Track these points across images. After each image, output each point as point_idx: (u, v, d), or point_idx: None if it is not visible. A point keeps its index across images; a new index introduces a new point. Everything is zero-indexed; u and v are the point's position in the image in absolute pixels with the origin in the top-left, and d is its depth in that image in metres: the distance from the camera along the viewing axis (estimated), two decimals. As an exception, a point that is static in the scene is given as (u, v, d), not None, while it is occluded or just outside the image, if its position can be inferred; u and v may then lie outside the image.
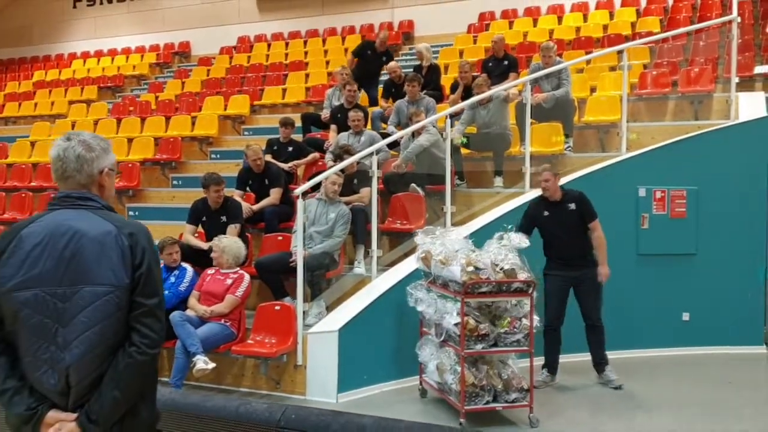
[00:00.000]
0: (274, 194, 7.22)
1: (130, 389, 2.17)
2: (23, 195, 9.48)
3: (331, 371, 5.76)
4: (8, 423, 2.23)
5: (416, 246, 5.72)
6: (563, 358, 6.05)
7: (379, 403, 5.65)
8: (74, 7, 19.00)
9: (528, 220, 5.91)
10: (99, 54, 17.62)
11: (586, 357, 6.06)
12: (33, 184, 9.92)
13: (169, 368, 5.81)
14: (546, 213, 5.92)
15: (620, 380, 5.91)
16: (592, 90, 9.18)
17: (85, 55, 17.76)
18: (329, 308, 6.16)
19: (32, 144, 11.36)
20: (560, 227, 5.85)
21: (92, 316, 2.12)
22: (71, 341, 2.12)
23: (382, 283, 6.23)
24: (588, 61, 9.65)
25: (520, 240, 5.16)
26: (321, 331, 5.83)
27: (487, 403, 4.97)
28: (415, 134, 7.30)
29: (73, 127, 11.77)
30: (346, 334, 5.78)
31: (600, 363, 5.99)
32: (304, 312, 5.90)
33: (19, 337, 2.17)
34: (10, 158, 11.17)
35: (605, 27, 12.18)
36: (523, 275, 4.97)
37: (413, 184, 7.26)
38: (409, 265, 6.19)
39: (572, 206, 5.86)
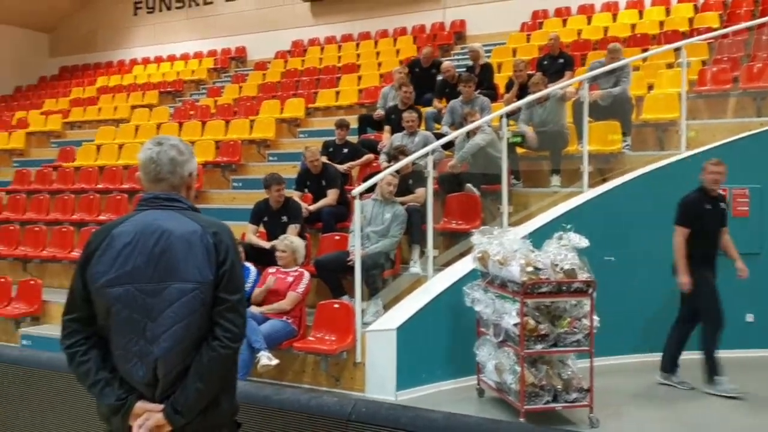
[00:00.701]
0: (332, 195, 7.36)
1: (213, 381, 2.26)
2: (91, 197, 9.86)
3: (390, 369, 5.84)
4: (99, 413, 2.35)
5: (472, 246, 5.76)
6: (626, 359, 6.01)
7: (437, 401, 5.69)
8: (135, 14, 19.59)
9: (692, 214, 5.77)
10: (159, 59, 18.11)
11: (647, 357, 6.00)
12: (99, 186, 10.30)
13: (233, 364, 5.99)
14: (708, 207, 5.82)
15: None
16: (649, 88, 9.04)
17: (146, 61, 18.29)
18: (386, 307, 6.25)
19: (98, 147, 11.79)
20: (716, 223, 5.81)
21: (179, 312, 2.22)
22: (159, 335, 2.22)
23: (439, 282, 6.28)
24: (644, 59, 9.50)
25: (580, 240, 5.15)
26: (379, 330, 5.92)
27: (547, 402, 4.98)
28: (469, 134, 7.34)
29: (136, 131, 12.18)
30: (403, 333, 5.85)
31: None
32: (362, 310, 6.01)
33: (110, 331, 2.28)
34: (77, 161, 11.63)
35: (661, 23, 11.95)
36: (583, 275, 4.96)
37: (468, 184, 7.30)
38: (465, 265, 6.22)
39: (723, 204, 5.88)
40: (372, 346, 5.93)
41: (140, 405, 2.25)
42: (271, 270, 6.22)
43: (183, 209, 2.36)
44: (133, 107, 14.17)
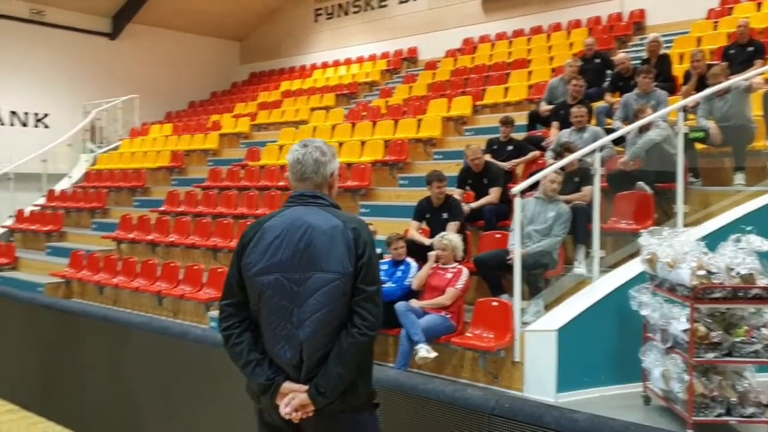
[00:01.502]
0: (494, 193, 7.34)
1: (351, 366, 2.44)
2: (273, 193, 10.61)
3: (550, 370, 5.73)
4: (249, 391, 2.59)
5: (641, 247, 5.50)
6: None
7: (600, 406, 5.49)
8: (315, 21, 20.73)
9: None
10: (336, 63, 19.03)
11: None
12: (281, 183, 11.03)
13: (393, 354, 6.21)
14: None
15: None
16: None
17: (324, 65, 19.28)
18: (547, 307, 6.13)
19: (280, 148, 12.65)
20: None
21: (321, 299, 2.42)
22: (304, 320, 2.43)
23: (605, 284, 6.05)
24: None
25: (762, 243, 4.73)
26: (539, 330, 5.83)
27: (719, 415, 4.64)
28: (642, 129, 6.97)
29: (314, 132, 12.91)
30: (565, 334, 5.72)
31: None
32: (521, 309, 5.95)
33: (261, 316, 2.52)
34: (262, 161, 12.56)
35: None
36: (763, 281, 4.56)
37: (641, 182, 6.94)
38: (634, 267, 5.94)
39: None
40: (531, 346, 5.85)
41: (287, 385, 2.46)
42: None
43: (325, 206, 2.56)
44: (312, 109, 14.97)
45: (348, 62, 18.72)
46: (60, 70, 18.45)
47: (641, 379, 5.53)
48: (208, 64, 21.68)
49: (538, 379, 5.79)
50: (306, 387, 2.44)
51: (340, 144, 11.61)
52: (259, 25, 22.13)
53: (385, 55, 18.19)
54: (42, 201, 14.61)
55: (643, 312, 5.28)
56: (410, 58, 17.70)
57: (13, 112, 17.85)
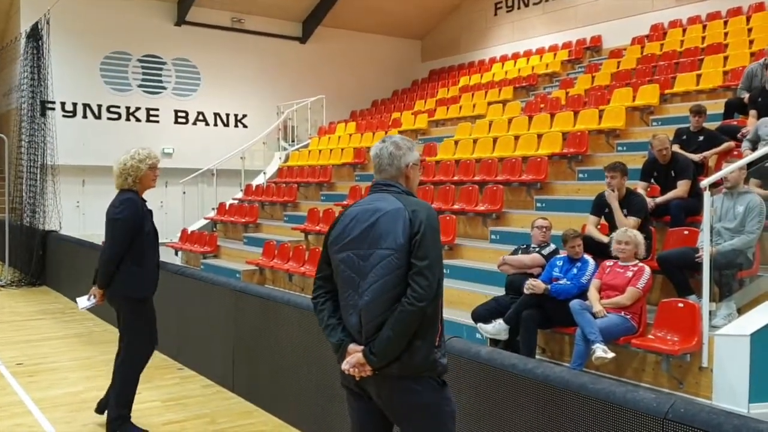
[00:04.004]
0: (682, 186, 6.88)
1: (400, 332, 2.70)
2: (447, 188, 10.74)
3: (742, 378, 5.29)
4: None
5: None
6: None
7: (800, 421, 5.01)
8: (495, 14, 20.58)
9: None
10: (516, 56, 18.75)
11: None
12: (456, 178, 11.15)
13: (569, 353, 6.07)
14: None
15: None
16: None
17: (504, 59, 19.07)
18: (740, 310, 5.67)
19: (456, 143, 12.76)
20: None
21: (378, 272, 2.76)
22: (365, 291, 2.78)
23: (811, 287, 5.49)
24: None
25: None
26: (730, 334, 5.41)
27: None
28: None
29: (490, 126, 12.87)
30: (760, 340, 5.26)
31: None
32: (710, 312, 5.55)
33: (338, 287, 2.91)
34: (438, 156, 12.75)
35: None
36: None
37: None
38: None
39: None
40: (721, 352, 5.44)
41: (351, 346, 2.83)
42: (609, 263, 6.10)
43: (397, 193, 2.90)
44: (489, 103, 14.89)
45: (528, 54, 18.38)
46: (256, 74, 20.03)
47: None
48: (390, 63, 22.36)
49: (729, 387, 5.37)
50: (362, 347, 2.79)
51: (516, 137, 11.47)
52: (440, 23, 22.41)
53: (566, 45, 17.63)
54: (240, 195, 15.99)
55: None
56: (593, 47, 17.00)
57: (217, 114, 19.66)
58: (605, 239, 6.45)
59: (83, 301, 5.21)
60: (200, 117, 19.39)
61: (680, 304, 5.75)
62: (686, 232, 6.50)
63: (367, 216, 2.84)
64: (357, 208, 2.92)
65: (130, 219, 4.92)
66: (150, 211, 5.15)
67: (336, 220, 2.98)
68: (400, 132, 15.30)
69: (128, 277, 4.95)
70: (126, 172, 5.01)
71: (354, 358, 2.78)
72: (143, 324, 5.09)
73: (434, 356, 2.79)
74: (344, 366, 2.81)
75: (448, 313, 5.05)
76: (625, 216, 6.47)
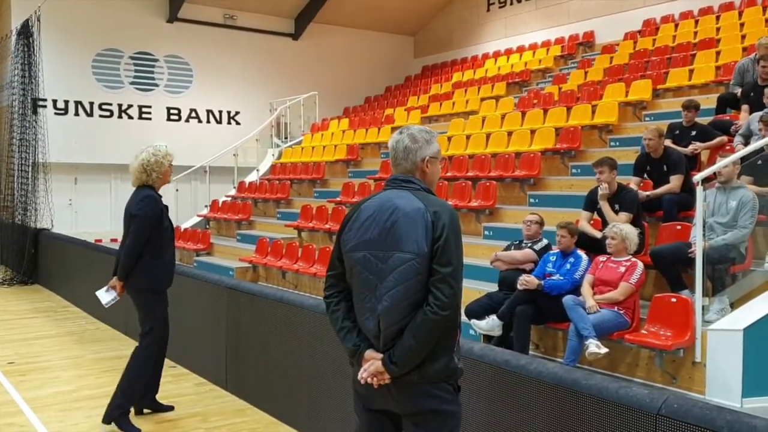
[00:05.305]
0: (674, 181, 6.87)
1: (423, 340, 2.57)
2: (440, 184, 10.69)
3: (735, 373, 5.30)
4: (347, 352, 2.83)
5: None
6: None
7: (792, 416, 5.02)
8: (488, 10, 20.56)
9: None
10: (508, 52, 18.73)
11: None
12: (448, 174, 11.12)
13: (562, 349, 6.06)
14: None
15: None
16: None
17: (496, 54, 19.07)
18: (733, 305, 5.68)
19: (449, 139, 12.74)
20: None
21: (398, 277, 2.60)
22: (383, 295, 2.62)
23: (801, 282, 5.50)
24: None
25: None
26: (723, 329, 5.42)
27: None
28: None
29: (483, 122, 12.85)
30: (752, 335, 5.27)
31: None
32: (703, 307, 5.55)
33: (353, 288, 2.76)
34: (432, 152, 12.71)
35: None
36: None
37: None
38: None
39: None
40: (714, 347, 5.44)
41: (369, 352, 2.68)
42: (602, 258, 6.10)
43: (415, 190, 2.73)
44: (482, 99, 14.87)
45: (521, 50, 18.37)
46: (249, 71, 19.96)
47: None
48: (383, 59, 22.32)
49: (722, 382, 5.38)
50: (381, 355, 2.64)
51: (509, 133, 11.46)
52: (432, 19, 22.38)
53: (559, 41, 17.62)
54: (233, 192, 15.94)
55: None
56: (586, 42, 17.00)
57: (210, 111, 19.59)
58: (598, 234, 6.45)
59: (105, 297, 5.35)
60: (193, 114, 19.32)
61: (673, 299, 5.76)
62: (679, 227, 6.50)
63: (385, 215, 2.66)
64: (373, 204, 2.73)
65: (150, 215, 5.18)
66: (166, 207, 5.40)
67: (350, 214, 2.80)
68: (393, 129, 15.27)
69: (147, 270, 5.22)
70: (150, 167, 5.26)
71: (372, 366, 2.64)
72: (160, 314, 5.35)
73: (454, 363, 2.69)
74: (362, 374, 2.66)
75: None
76: (618, 211, 6.46)
